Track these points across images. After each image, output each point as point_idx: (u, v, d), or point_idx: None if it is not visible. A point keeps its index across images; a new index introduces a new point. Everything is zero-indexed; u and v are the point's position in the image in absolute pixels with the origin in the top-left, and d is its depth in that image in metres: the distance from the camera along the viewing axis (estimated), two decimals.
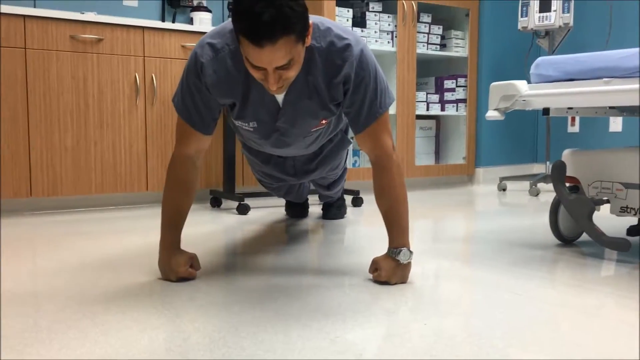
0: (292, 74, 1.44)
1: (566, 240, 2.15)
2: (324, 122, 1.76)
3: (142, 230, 2.46)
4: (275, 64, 1.37)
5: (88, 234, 2.35)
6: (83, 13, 2.91)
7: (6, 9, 2.69)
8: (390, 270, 1.60)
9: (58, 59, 2.83)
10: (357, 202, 3.13)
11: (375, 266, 1.63)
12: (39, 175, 2.82)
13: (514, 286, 1.60)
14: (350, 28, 3.64)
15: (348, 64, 1.53)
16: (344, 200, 2.79)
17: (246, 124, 1.72)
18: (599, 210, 1.99)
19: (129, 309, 1.39)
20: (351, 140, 2.30)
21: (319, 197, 2.75)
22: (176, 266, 1.63)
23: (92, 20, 2.88)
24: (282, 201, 3.01)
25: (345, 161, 2.44)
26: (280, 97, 1.62)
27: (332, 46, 1.53)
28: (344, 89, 1.58)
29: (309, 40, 1.44)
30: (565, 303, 1.46)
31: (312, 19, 1.51)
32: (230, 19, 1.47)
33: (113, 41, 2.95)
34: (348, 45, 1.53)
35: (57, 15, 2.81)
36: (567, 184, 2.01)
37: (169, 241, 1.66)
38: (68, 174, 2.88)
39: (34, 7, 3.21)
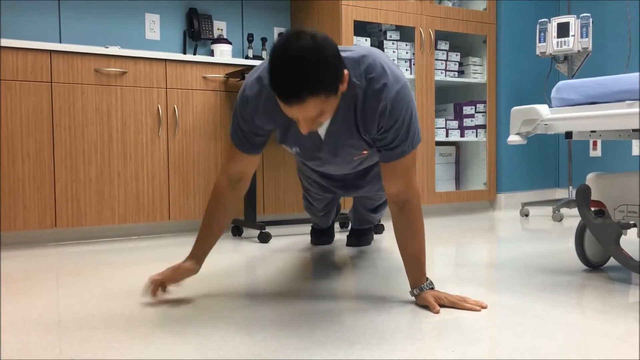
0: (323, 119, 1.49)
1: (593, 265, 2.12)
2: (365, 152, 1.83)
3: (165, 259, 2.47)
4: (305, 117, 1.44)
5: (112, 264, 2.37)
6: (107, 47, 2.98)
7: (33, 44, 2.77)
8: (445, 294, 1.64)
9: (83, 92, 2.89)
10: (378, 229, 3.11)
11: (433, 303, 1.61)
12: (64, 206, 2.86)
13: (541, 312, 1.58)
14: None
15: (383, 104, 1.57)
16: (371, 228, 2.78)
17: (289, 148, 1.82)
18: (625, 234, 1.96)
19: (153, 338, 1.39)
20: None
21: (356, 221, 2.69)
22: (168, 269, 1.74)
23: (116, 54, 2.95)
24: (304, 229, 3.01)
25: None
26: (322, 130, 1.68)
27: (370, 85, 1.58)
28: (378, 127, 1.62)
29: (344, 87, 1.48)
30: (595, 329, 1.43)
31: (354, 58, 1.57)
32: None
33: (136, 74, 3.01)
34: (385, 85, 1.57)
35: (82, 49, 2.88)
36: (593, 208, 1.98)
37: (193, 249, 1.78)
38: (92, 204, 2.92)
39: (60, 42, 3.30)
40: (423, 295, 1.64)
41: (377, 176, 2.21)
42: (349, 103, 1.58)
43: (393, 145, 1.63)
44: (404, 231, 1.69)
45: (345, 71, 1.47)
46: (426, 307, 1.61)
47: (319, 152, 1.79)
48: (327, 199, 2.49)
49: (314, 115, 1.44)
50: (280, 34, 1.44)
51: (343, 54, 1.53)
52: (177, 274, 1.73)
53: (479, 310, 1.59)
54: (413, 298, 1.70)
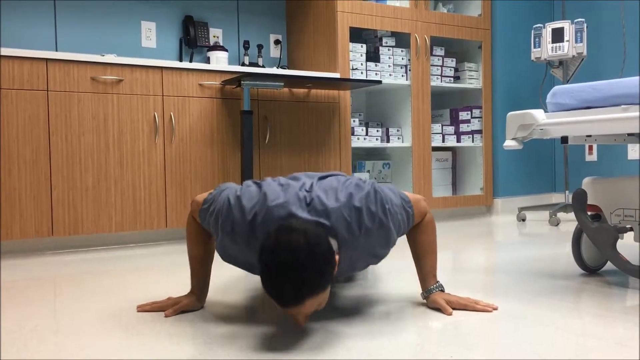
0: (320, 308, 1.42)
1: (590, 269, 2.12)
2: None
3: (162, 267, 2.47)
4: (303, 314, 1.38)
5: (109, 272, 2.36)
6: (103, 55, 2.98)
7: (29, 53, 2.77)
8: (456, 297, 1.66)
9: (79, 100, 2.89)
10: None
11: (445, 305, 1.62)
12: (61, 214, 2.85)
13: (540, 317, 1.58)
14: (364, 62, 3.69)
15: (377, 224, 1.50)
16: None
17: None
18: (622, 238, 1.97)
19: (151, 346, 1.39)
20: None
21: None
22: (169, 300, 1.73)
23: (112, 61, 2.95)
24: None
25: None
26: None
27: (365, 224, 1.48)
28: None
29: (335, 270, 1.39)
30: (593, 333, 1.43)
31: (336, 217, 1.45)
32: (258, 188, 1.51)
33: (132, 82, 3.01)
34: (381, 222, 1.50)
35: (78, 58, 2.88)
36: (589, 213, 1.99)
37: (192, 286, 1.74)
38: (89, 212, 2.92)
39: (56, 50, 3.30)
40: (433, 298, 1.65)
41: None
42: (344, 249, 1.49)
43: (402, 227, 1.60)
44: (412, 233, 1.70)
45: (337, 257, 1.40)
46: (437, 309, 1.63)
47: None
48: None
49: (311, 310, 1.38)
50: (280, 229, 1.37)
51: (330, 207, 1.44)
52: (176, 309, 1.66)
53: (491, 312, 1.61)
54: (412, 303, 1.71)
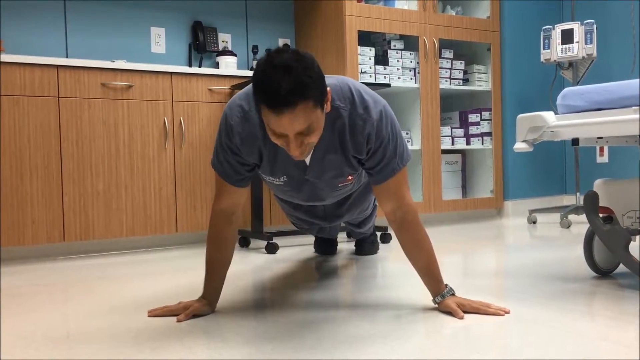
0: (313, 139, 1.48)
1: (602, 272, 2.10)
2: (349, 178, 1.83)
3: (173, 272, 2.48)
4: (296, 129, 1.41)
5: (120, 277, 2.37)
6: (113, 61, 3.00)
7: (40, 59, 2.79)
8: (468, 301, 1.65)
9: (90, 106, 2.91)
10: (386, 238, 3.11)
11: (456, 309, 1.62)
12: (72, 219, 2.87)
13: (551, 320, 1.57)
14: (373, 66, 3.69)
15: (369, 125, 1.60)
16: (376, 236, 2.80)
17: (277, 179, 1.79)
18: (634, 240, 1.95)
19: (162, 351, 1.39)
20: None
21: (351, 234, 2.75)
22: (180, 304, 1.72)
23: (122, 67, 2.97)
24: (311, 239, 3.01)
25: (374, 201, 2.45)
26: (308, 156, 1.67)
27: (354, 108, 1.60)
28: (367, 148, 1.64)
29: (328, 107, 1.50)
30: (606, 337, 1.42)
31: (335, 83, 1.59)
32: None
33: (142, 87, 3.03)
34: (367, 108, 1.60)
35: (88, 64, 2.90)
36: (601, 215, 1.98)
37: (204, 290, 1.74)
38: (100, 217, 2.93)
39: (67, 57, 3.32)
40: (445, 302, 1.65)
41: (355, 203, 2.24)
42: (332, 126, 1.59)
43: (383, 164, 1.65)
44: (408, 245, 1.71)
45: (328, 89, 1.49)
46: (449, 313, 1.62)
47: (304, 179, 1.78)
48: (317, 227, 2.51)
49: (304, 129, 1.42)
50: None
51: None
52: (188, 313, 1.67)
53: (503, 315, 1.61)
54: (423, 306, 1.70)
